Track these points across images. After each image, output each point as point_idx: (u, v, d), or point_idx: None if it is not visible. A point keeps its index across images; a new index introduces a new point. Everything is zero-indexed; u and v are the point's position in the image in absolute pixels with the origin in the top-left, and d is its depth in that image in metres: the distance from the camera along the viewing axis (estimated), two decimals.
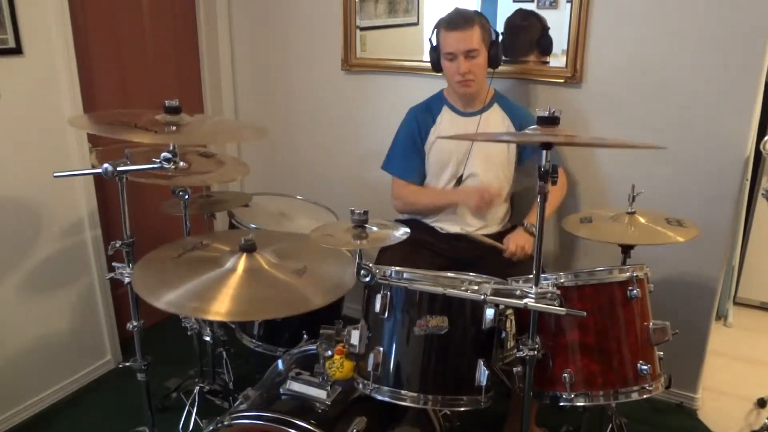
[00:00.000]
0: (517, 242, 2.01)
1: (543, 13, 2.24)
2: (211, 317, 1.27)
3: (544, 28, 2.25)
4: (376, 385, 1.41)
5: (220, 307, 1.26)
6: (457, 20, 1.99)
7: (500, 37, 2.10)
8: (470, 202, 2.08)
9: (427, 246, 2.12)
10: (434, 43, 2.08)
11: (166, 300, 1.27)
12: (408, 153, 2.22)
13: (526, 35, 2.30)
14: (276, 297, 1.35)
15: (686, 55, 2.06)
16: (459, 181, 2.14)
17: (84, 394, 2.44)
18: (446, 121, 2.16)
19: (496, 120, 2.13)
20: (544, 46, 2.26)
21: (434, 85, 2.24)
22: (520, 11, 2.28)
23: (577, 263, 2.45)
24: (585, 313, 1.37)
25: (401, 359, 1.41)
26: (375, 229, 1.46)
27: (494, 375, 1.41)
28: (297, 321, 1.90)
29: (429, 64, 2.14)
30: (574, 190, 2.36)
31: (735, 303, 3.18)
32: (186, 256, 1.48)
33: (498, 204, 2.13)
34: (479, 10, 2.30)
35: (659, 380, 1.50)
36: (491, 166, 2.12)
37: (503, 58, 2.29)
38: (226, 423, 1.41)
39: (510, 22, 2.30)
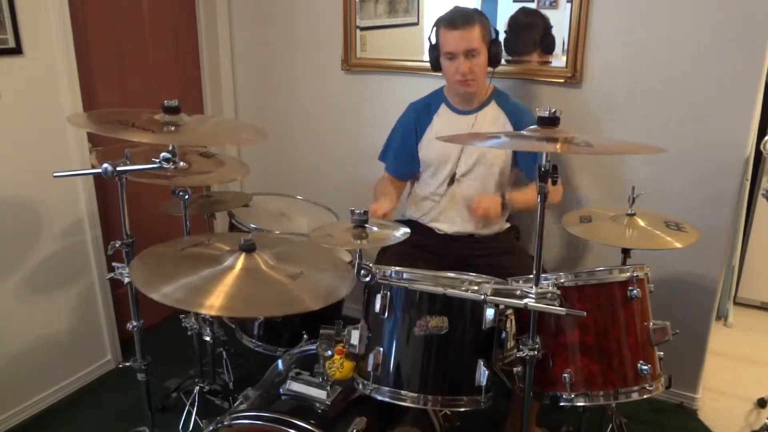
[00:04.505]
0: (487, 206, 1.98)
1: (543, 13, 2.24)
2: (204, 311, 1.27)
3: (547, 26, 2.25)
4: (376, 386, 1.41)
5: (215, 302, 1.26)
6: (457, 19, 1.98)
7: (500, 36, 2.09)
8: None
9: (425, 247, 2.12)
10: (433, 42, 2.07)
11: (162, 292, 1.27)
12: (400, 152, 2.23)
13: (529, 33, 2.29)
14: (271, 297, 1.35)
15: (686, 55, 2.06)
16: (452, 179, 2.13)
17: (84, 394, 2.44)
18: (443, 119, 2.16)
19: (491, 118, 2.12)
20: (547, 45, 2.26)
21: (434, 85, 2.24)
22: (523, 9, 2.28)
23: (577, 262, 2.45)
24: (585, 313, 1.37)
25: (401, 359, 1.41)
26: (375, 229, 1.47)
27: (494, 375, 1.41)
28: (297, 321, 1.91)
29: (429, 64, 2.14)
30: (575, 188, 2.36)
31: (735, 303, 3.18)
32: (186, 252, 1.48)
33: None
34: (479, 9, 2.31)
35: (659, 380, 1.50)
36: (485, 165, 2.11)
37: (507, 57, 2.30)
38: (226, 423, 1.41)
39: (513, 20, 2.30)
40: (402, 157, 2.23)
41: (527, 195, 2.09)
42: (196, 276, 1.34)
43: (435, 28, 2.05)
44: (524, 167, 2.15)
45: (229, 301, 1.28)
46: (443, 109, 2.17)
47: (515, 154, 2.15)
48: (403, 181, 2.28)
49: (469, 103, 2.13)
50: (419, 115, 2.20)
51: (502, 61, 2.12)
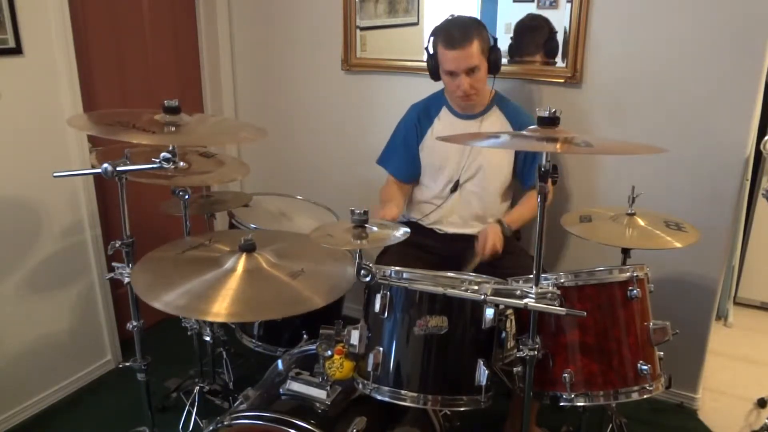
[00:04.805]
0: (492, 243, 1.94)
1: (543, 13, 2.24)
2: (210, 318, 1.26)
3: (552, 31, 2.24)
4: (376, 385, 1.41)
5: (220, 308, 1.26)
6: (455, 37, 1.94)
7: (505, 40, 2.08)
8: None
9: (426, 247, 2.12)
10: (431, 52, 2.05)
11: (164, 300, 1.27)
12: (403, 153, 2.22)
13: (534, 37, 2.29)
14: (275, 298, 1.35)
15: (686, 55, 2.06)
16: (456, 186, 2.13)
17: (84, 394, 2.44)
18: (444, 123, 2.15)
19: (494, 123, 2.11)
20: (550, 49, 2.26)
21: (435, 85, 2.23)
22: (530, 15, 2.27)
23: (577, 262, 2.45)
24: (585, 313, 1.37)
25: (401, 359, 1.41)
26: (375, 229, 1.46)
27: (494, 375, 1.41)
28: (297, 321, 1.91)
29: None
30: (574, 188, 2.36)
31: (735, 303, 3.18)
32: (186, 255, 1.48)
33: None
34: (478, 12, 2.31)
35: (659, 380, 1.50)
36: (489, 171, 2.11)
37: (509, 58, 2.29)
38: (226, 423, 1.41)
39: (520, 24, 2.29)
40: (405, 158, 2.22)
41: (523, 209, 2.11)
42: (198, 281, 1.34)
43: (432, 39, 2.03)
44: (524, 175, 2.14)
45: (233, 307, 1.27)
46: (444, 112, 2.16)
47: (517, 162, 2.14)
48: (408, 184, 2.25)
49: (471, 108, 2.12)
50: (420, 117, 2.19)
51: (504, 61, 2.11)
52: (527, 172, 2.13)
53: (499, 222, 2.03)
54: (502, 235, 1.98)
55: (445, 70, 2.00)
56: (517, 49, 2.32)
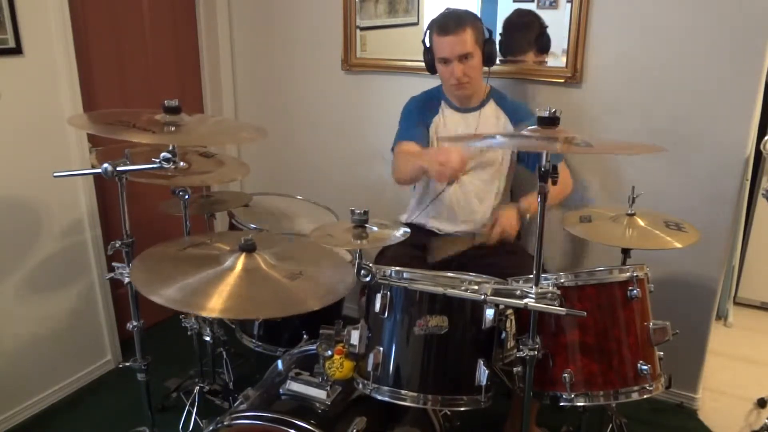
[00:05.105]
0: (503, 228, 1.96)
1: (543, 13, 2.24)
2: (205, 314, 1.27)
3: (542, 26, 2.25)
4: (376, 385, 1.41)
5: (215, 304, 1.26)
6: (448, 24, 1.97)
7: (494, 35, 2.08)
8: (431, 170, 1.86)
9: (425, 248, 2.12)
10: (428, 45, 2.07)
11: (161, 293, 1.27)
12: (414, 122, 2.17)
13: (524, 34, 2.30)
14: (272, 297, 1.35)
15: (686, 55, 2.06)
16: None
17: (84, 394, 2.44)
18: (447, 117, 2.16)
19: (492, 117, 2.13)
20: (542, 44, 2.26)
21: (434, 85, 2.24)
22: (517, 11, 2.28)
23: (578, 262, 2.45)
24: (585, 313, 1.37)
25: (401, 359, 1.41)
26: (375, 229, 1.47)
27: (494, 375, 1.41)
28: (297, 321, 1.91)
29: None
30: (574, 188, 2.36)
31: (735, 303, 3.18)
32: (186, 252, 1.48)
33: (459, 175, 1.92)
34: (478, 11, 2.31)
35: (659, 380, 1.50)
36: (487, 164, 2.12)
37: (502, 57, 2.29)
38: (226, 423, 1.41)
39: (508, 21, 2.30)
40: (416, 129, 2.15)
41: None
42: (196, 277, 1.34)
43: (428, 32, 2.05)
44: (532, 165, 2.14)
45: (229, 303, 1.28)
46: (445, 107, 2.17)
47: (520, 152, 2.15)
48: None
49: (468, 102, 2.14)
50: (423, 106, 2.19)
51: (497, 62, 2.11)
52: (532, 158, 2.12)
53: (518, 206, 2.02)
54: (520, 219, 1.98)
55: (439, 58, 2.02)
56: (507, 47, 2.32)
